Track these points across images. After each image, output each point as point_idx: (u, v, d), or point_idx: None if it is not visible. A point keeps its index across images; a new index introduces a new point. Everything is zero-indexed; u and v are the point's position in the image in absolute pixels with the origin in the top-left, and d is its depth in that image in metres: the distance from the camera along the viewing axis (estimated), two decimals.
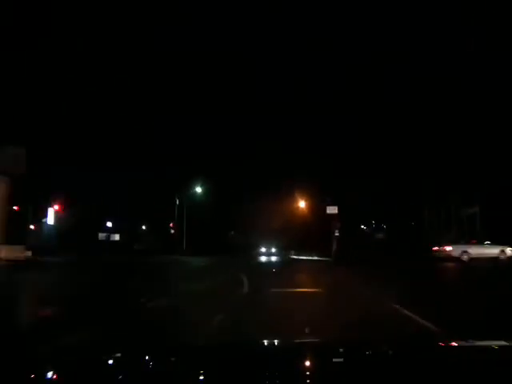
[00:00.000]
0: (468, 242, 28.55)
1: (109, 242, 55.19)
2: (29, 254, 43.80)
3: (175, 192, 49.93)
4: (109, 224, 61.55)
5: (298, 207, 43.42)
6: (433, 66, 32.85)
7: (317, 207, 43.87)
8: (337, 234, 43.21)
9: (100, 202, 55.96)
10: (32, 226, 50.45)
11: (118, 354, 1.97)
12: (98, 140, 48.08)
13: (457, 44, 30.59)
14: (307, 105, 52.38)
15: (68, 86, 40.99)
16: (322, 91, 52.79)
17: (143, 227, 61.00)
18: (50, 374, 1.65)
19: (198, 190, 50.66)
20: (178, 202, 49.35)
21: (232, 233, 59.04)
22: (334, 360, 1.92)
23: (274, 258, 39.45)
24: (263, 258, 38.52)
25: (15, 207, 51.95)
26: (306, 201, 42.92)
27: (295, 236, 46.00)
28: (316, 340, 2.83)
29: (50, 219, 49.35)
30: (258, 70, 62.48)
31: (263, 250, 49.15)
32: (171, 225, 50.43)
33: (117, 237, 58.98)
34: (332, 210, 43.33)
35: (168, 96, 54.94)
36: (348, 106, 43.80)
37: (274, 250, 48.69)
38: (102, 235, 55.83)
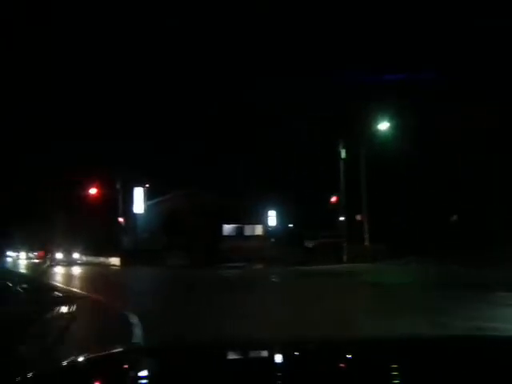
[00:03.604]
0: None
1: (243, 238, 33.79)
2: (116, 261, 31.23)
3: (338, 137, 25.76)
4: (271, 213, 39.56)
5: None
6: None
7: None
8: None
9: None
10: (121, 219, 32.11)
11: None
12: None
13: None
14: None
15: None
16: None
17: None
18: None
19: (384, 127, 25.63)
20: (343, 155, 25.04)
21: (454, 217, 30.75)
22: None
23: None
24: None
25: (94, 190, 33.72)
26: None
27: None
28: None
29: (139, 206, 30.26)
30: None
31: None
32: (334, 199, 26.14)
33: (258, 229, 37.19)
34: None
35: None
36: None
37: None
38: (228, 227, 34.44)
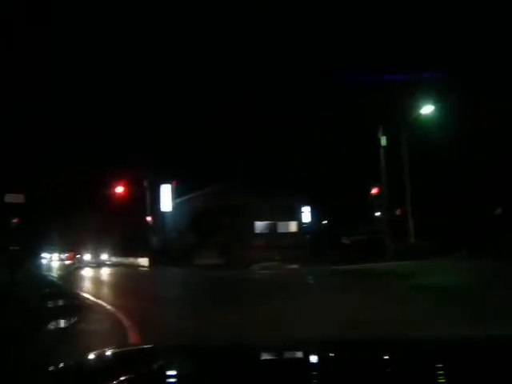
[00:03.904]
0: None
1: (276, 235, 32.01)
2: (145, 262, 30.27)
3: (378, 123, 23.73)
4: (305, 209, 37.61)
5: None
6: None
7: None
8: None
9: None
10: (149, 218, 30.87)
11: None
12: None
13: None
14: None
15: None
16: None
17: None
18: None
19: (428, 110, 23.40)
20: (384, 143, 23.00)
21: (499, 210, 27.89)
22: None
23: None
24: None
25: (121, 188, 32.58)
26: None
27: None
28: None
29: (166, 204, 28.88)
30: None
31: None
32: (375, 191, 24.04)
33: (292, 226, 35.32)
34: None
35: None
36: None
37: None
38: (260, 225, 32.65)
